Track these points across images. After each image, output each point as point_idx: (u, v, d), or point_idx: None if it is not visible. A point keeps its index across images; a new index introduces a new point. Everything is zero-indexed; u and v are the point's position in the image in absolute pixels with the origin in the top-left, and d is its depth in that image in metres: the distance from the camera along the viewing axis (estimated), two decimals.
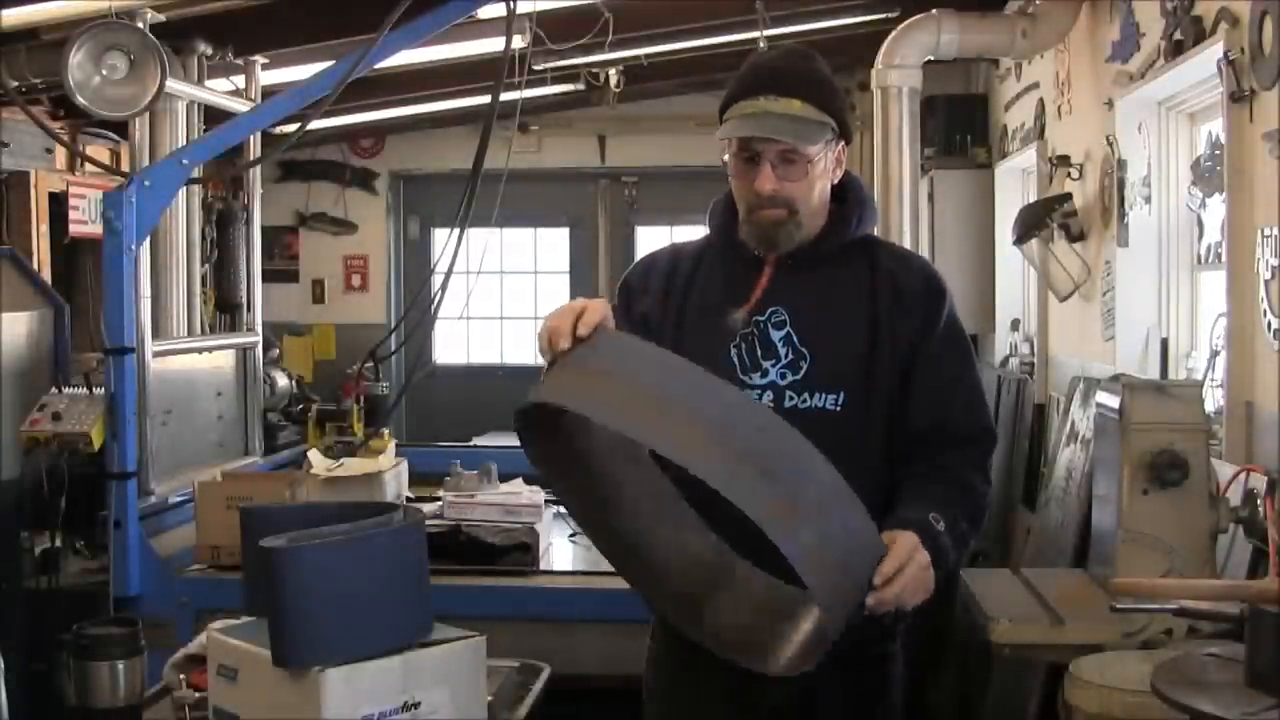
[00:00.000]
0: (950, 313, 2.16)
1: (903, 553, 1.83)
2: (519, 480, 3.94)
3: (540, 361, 1.89)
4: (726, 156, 2.16)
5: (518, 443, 1.94)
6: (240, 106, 4.52)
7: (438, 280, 4.23)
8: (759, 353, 2.10)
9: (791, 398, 2.08)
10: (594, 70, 5.87)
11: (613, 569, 2.09)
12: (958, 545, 1.99)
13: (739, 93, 2.11)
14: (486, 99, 4.00)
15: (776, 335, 2.09)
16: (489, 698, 2.04)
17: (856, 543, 1.76)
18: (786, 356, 2.09)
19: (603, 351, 1.81)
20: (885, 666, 2.22)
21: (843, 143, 2.15)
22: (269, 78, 4.87)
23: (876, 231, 2.28)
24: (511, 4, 3.83)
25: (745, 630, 1.97)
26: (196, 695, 2.11)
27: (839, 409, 2.07)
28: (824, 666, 2.13)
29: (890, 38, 4.56)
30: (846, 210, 2.18)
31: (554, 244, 8.10)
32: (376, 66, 4.11)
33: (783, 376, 2.08)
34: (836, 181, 2.16)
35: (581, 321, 1.84)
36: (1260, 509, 2.55)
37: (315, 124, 4.21)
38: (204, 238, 4.83)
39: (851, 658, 2.15)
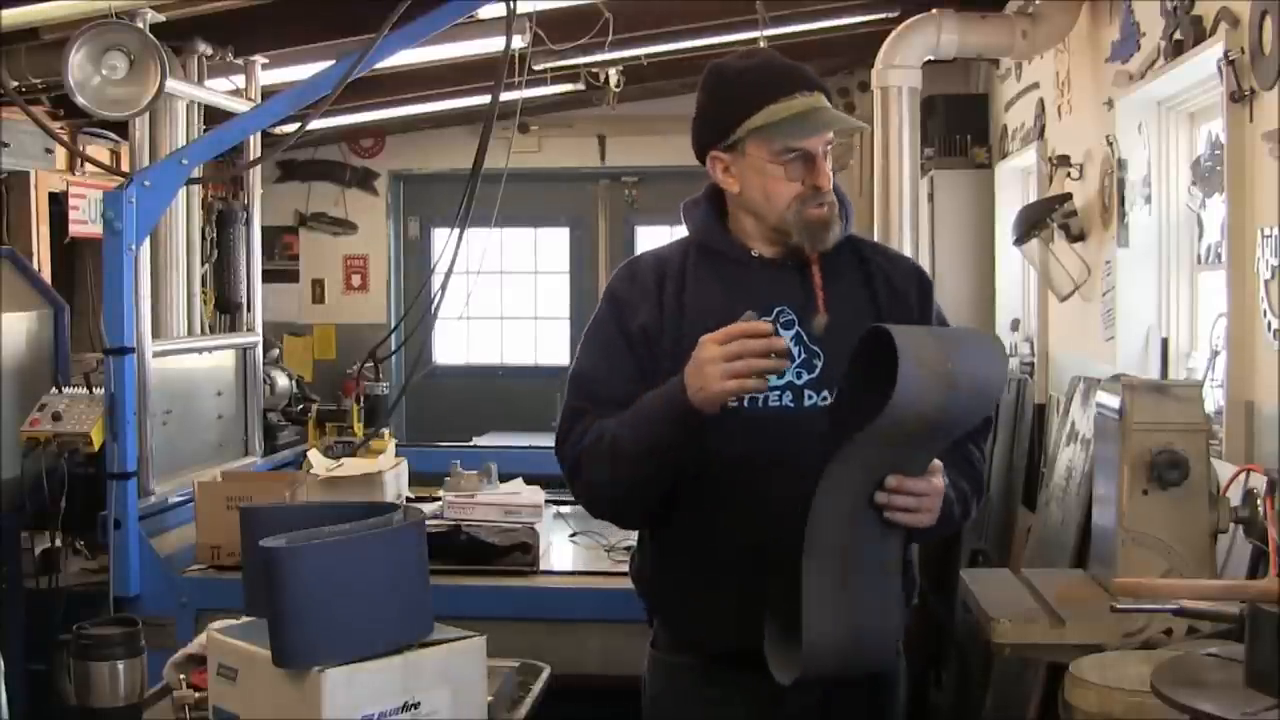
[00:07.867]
0: (938, 305, 2.27)
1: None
2: (519, 480, 3.95)
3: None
4: (727, 163, 2.13)
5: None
6: (240, 106, 4.52)
7: (438, 280, 4.24)
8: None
9: (810, 396, 2.09)
10: (594, 70, 5.86)
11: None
12: (960, 501, 2.09)
13: (768, 95, 2.08)
14: (486, 99, 4.01)
15: (786, 335, 2.08)
16: (489, 698, 2.03)
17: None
18: (800, 355, 2.09)
19: None
20: (893, 673, 2.22)
21: None
22: (269, 78, 4.87)
23: (876, 233, 2.30)
24: (511, 4, 3.83)
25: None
26: (196, 695, 2.11)
27: None
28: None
29: (890, 38, 4.56)
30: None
31: (554, 244, 8.09)
32: (376, 66, 4.11)
33: (799, 376, 2.09)
34: None
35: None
36: (1260, 509, 2.54)
37: (315, 124, 4.21)
38: (204, 238, 4.82)
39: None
